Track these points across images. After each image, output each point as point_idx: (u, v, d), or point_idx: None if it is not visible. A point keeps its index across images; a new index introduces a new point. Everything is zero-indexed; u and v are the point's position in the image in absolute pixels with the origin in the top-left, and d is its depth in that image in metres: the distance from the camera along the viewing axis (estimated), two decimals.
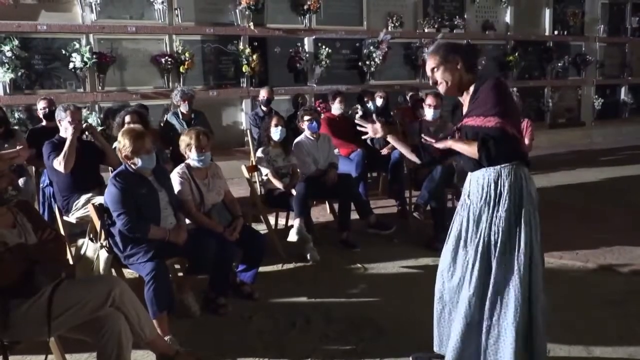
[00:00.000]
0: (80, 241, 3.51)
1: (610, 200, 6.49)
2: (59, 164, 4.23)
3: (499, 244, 2.52)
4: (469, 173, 2.70)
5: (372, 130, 2.89)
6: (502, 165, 2.53)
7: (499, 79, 2.62)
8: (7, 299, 2.48)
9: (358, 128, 2.99)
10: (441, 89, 2.65)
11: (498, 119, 2.45)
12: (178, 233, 3.49)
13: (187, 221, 3.84)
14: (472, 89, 2.61)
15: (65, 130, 4.38)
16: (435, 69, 2.62)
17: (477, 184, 2.60)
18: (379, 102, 6.96)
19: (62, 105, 4.58)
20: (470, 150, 2.54)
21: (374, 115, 3.04)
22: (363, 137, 3.03)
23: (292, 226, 4.72)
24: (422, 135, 2.81)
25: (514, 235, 2.52)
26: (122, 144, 3.41)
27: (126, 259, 3.37)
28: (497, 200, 2.53)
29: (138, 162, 3.40)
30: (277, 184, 4.80)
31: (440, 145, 2.70)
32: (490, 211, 2.54)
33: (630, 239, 4.87)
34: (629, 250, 4.62)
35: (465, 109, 2.65)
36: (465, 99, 2.66)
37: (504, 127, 2.46)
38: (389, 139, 2.88)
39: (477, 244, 2.56)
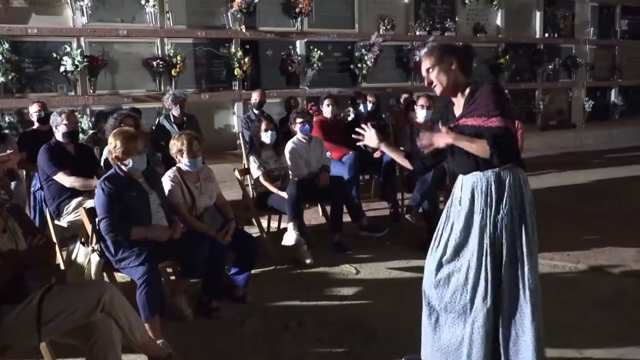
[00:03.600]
0: (71, 245, 3.50)
1: (601, 202, 6.53)
2: (65, 179, 4.24)
3: (505, 247, 2.53)
4: (460, 177, 2.67)
5: (368, 137, 2.90)
6: (502, 167, 2.54)
7: (497, 83, 2.64)
8: None
9: (353, 135, 3.00)
10: (437, 90, 2.63)
11: (502, 120, 2.46)
12: (159, 230, 3.44)
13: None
14: (467, 90, 2.60)
15: (61, 134, 4.38)
16: (431, 70, 2.61)
17: (471, 187, 2.58)
18: (369, 106, 6.96)
19: (56, 110, 4.57)
20: (477, 148, 2.49)
21: (365, 122, 3.04)
22: (358, 144, 3.04)
23: (285, 229, 4.72)
24: (420, 133, 2.76)
25: (519, 236, 2.53)
26: (114, 145, 3.39)
27: (118, 263, 3.35)
28: (498, 201, 2.53)
29: (129, 163, 3.39)
30: (271, 188, 4.79)
31: (441, 143, 2.58)
32: (492, 213, 2.54)
33: (621, 240, 4.89)
34: (619, 252, 4.64)
35: (457, 110, 2.64)
36: (458, 100, 2.65)
37: (508, 127, 2.48)
38: (382, 147, 2.89)
39: (481, 250, 2.55)
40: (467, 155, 2.55)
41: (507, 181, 2.53)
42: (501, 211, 2.53)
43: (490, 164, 2.52)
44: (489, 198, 2.54)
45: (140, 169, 3.45)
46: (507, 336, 2.58)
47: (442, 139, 2.56)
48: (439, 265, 2.70)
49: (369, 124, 2.98)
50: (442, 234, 2.73)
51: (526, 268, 2.52)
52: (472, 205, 2.58)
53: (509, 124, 2.49)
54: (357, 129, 2.97)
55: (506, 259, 2.54)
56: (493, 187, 2.54)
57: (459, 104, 2.65)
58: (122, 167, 3.41)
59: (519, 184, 2.55)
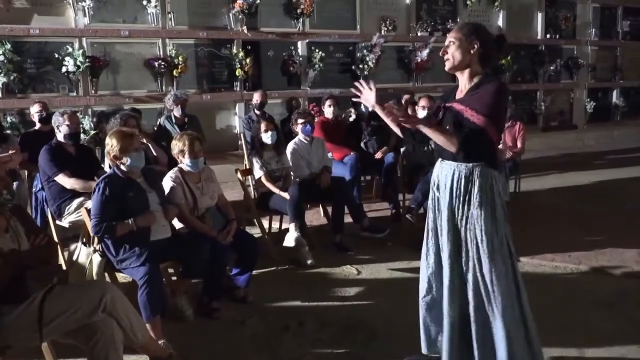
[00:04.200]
0: (72, 246, 3.51)
1: (603, 203, 6.53)
2: (65, 181, 4.26)
3: (477, 242, 2.55)
4: (441, 161, 2.68)
5: (365, 95, 2.85)
6: (475, 164, 2.56)
7: (504, 85, 2.62)
8: None
9: (352, 89, 2.95)
10: (447, 64, 2.62)
11: (486, 120, 2.48)
12: (145, 217, 3.42)
13: (180, 225, 3.85)
14: (475, 80, 2.59)
15: (63, 135, 4.40)
16: (452, 43, 2.59)
17: (446, 176, 2.62)
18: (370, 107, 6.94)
19: (58, 110, 4.58)
20: (444, 141, 2.52)
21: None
22: (354, 100, 2.99)
23: (286, 230, 4.72)
24: (392, 106, 2.73)
25: (488, 232, 2.54)
26: (110, 144, 3.41)
27: (119, 263, 3.36)
28: (467, 196, 2.56)
29: (127, 161, 3.40)
30: (273, 189, 4.80)
31: (412, 125, 2.61)
32: (463, 207, 2.57)
33: (622, 241, 4.89)
34: (620, 252, 4.64)
35: (459, 94, 2.64)
36: (463, 83, 2.63)
37: (487, 129, 2.49)
38: (376, 109, 2.88)
39: (451, 242, 2.60)
40: None
41: (479, 179, 2.55)
42: (472, 206, 2.55)
43: (464, 159, 2.55)
44: (458, 191, 2.57)
45: (138, 165, 3.47)
46: (480, 329, 2.58)
47: (416, 124, 2.58)
48: (426, 258, 2.75)
49: (371, 83, 2.92)
50: (427, 223, 2.77)
51: (487, 264, 2.52)
52: (447, 194, 2.61)
53: (490, 127, 2.49)
54: (358, 86, 2.88)
55: (475, 254, 2.55)
56: (462, 181, 2.57)
57: (462, 87, 2.65)
58: (121, 166, 3.42)
59: (490, 183, 2.57)
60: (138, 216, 3.38)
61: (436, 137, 2.55)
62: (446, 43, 2.62)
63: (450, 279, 2.59)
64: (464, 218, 2.57)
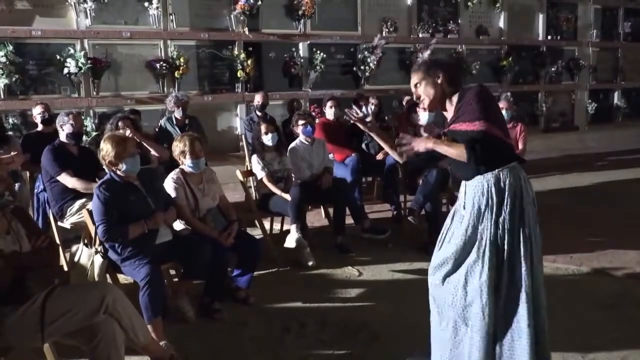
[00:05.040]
0: (74, 247, 3.51)
1: (604, 204, 6.53)
2: (67, 180, 4.28)
3: (506, 248, 2.53)
4: (464, 182, 2.68)
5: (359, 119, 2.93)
6: (500, 169, 2.55)
7: (482, 87, 2.65)
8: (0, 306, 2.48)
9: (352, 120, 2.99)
10: (425, 103, 2.71)
11: (483, 123, 2.49)
12: (155, 218, 3.44)
13: (183, 226, 3.85)
14: (455, 98, 2.65)
15: (65, 134, 4.42)
16: (418, 84, 2.70)
17: (473, 192, 2.58)
18: (372, 108, 6.94)
19: (64, 111, 4.60)
20: (455, 152, 2.55)
21: (368, 117, 3.01)
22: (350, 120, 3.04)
23: (287, 231, 4.72)
24: (400, 135, 2.78)
25: (517, 237, 2.53)
26: (105, 150, 3.39)
27: (122, 262, 3.36)
28: (500, 203, 2.54)
29: (122, 166, 3.39)
30: (275, 190, 4.80)
31: (420, 147, 2.65)
32: (494, 216, 2.54)
33: (623, 242, 4.89)
34: (622, 254, 4.64)
35: (449, 117, 2.68)
36: (449, 108, 2.69)
37: (488, 130, 2.49)
38: (372, 134, 2.92)
39: (480, 252, 2.55)
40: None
41: (507, 182, 2.54)
42: (503, 212, 2.53)
43: (489, 167, 2.54)
44: (490, 201, 2.54)
45: (134, 170, 3.46)
46: (502, 339, 2.57)
47: (423, 143, 2.65)
48: (441, 265, 2.70)
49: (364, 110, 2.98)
50: (445, 235, 2.74)
51: (523, 269, 2.52)
52: (474, 208, 2.58)
53: (491, 127, 2.50)
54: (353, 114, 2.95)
55: (506, 260, 2.54)
56: (493, 189, 2.54)
57: (450, 111, 2.69)
58: (118, 172, 3.42)
59: (519, 184, 2.56)
60: (146, 218, 3.39)
61: (445, 151, 2.59)
62: (412, 88, 2.73)
63: (488, 292, 2.54)
64: (496, 225, 2.54)
